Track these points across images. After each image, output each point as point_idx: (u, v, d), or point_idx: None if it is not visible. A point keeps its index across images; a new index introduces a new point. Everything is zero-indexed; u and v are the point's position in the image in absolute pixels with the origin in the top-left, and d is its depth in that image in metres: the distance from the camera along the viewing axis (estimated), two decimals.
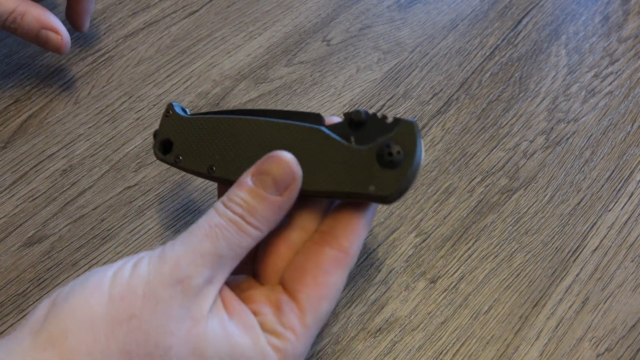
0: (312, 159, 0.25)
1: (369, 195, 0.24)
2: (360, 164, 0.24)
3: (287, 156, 0.24)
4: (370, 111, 0.25)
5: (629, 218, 0.36)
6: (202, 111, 0.29)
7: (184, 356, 0.21)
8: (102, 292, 0.22)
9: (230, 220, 0.23)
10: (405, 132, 0.24)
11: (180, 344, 0.21)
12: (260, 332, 0.23)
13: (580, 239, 0.35)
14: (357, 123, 0.25)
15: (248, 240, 0.23)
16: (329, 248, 0.24)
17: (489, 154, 0.38)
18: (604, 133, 0.39)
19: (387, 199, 0.23)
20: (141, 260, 0.23)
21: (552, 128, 0.39)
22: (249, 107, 0.40)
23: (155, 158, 0.38)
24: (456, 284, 0.33)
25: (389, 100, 0.41)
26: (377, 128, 0.25)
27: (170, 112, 0.28)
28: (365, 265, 0.33)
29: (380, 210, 0.35)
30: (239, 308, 0.24)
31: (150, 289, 0.22)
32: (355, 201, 0.25)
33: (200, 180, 0.36)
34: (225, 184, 0.27)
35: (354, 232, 0.24)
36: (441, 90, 0.41)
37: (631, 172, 0.38)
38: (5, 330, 0.31)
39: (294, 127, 0.25)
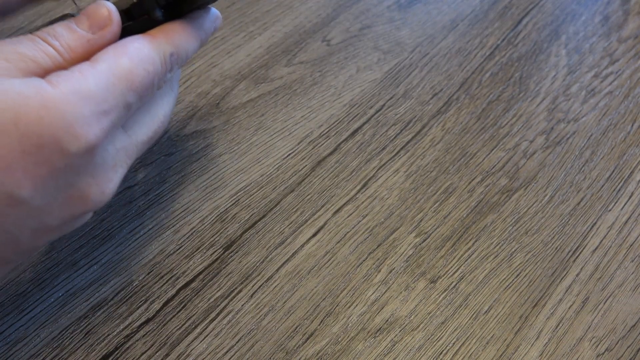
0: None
1: None
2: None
3: (107, 3, 0.24)
4: None
5: (629, 218, 0.36)
6: None
7: None
8: None
9: (28, 38, 0.22)
10: None
11: None
12: (26, 68, 0.22)
13: (580, 239, 0.35)
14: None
15: (42, 55, 0.22)
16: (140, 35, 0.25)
17: (489, 154, 0.38)
18: (604, 133, 0.39)
19: None
20: None
21: (552, 128, 0.39)
22: (249, 106, 0.40)
23: (157, 158, 0.38)
24: (456, 284, 0.33)
25: (389, 100, 0.41)
26: None
27: None
28: (366, 265, 0.33)
29: (380, 211, 0.35)
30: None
31: None
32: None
33: (200, 180, 0.36)
34: None
35: (168, 27, 0.26)
36: (441, 90, 0.41)
37: (631, 172, 0.38)
38: (5, 330, 0.31)
39: None
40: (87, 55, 0.23)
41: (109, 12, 0.24)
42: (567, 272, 0.34)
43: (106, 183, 0.23)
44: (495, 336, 0.31)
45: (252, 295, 0.32)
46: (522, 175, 0.37)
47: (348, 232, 0.35)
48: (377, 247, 0.34)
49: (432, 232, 0.35)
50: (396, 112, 0.40)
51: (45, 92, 0.20)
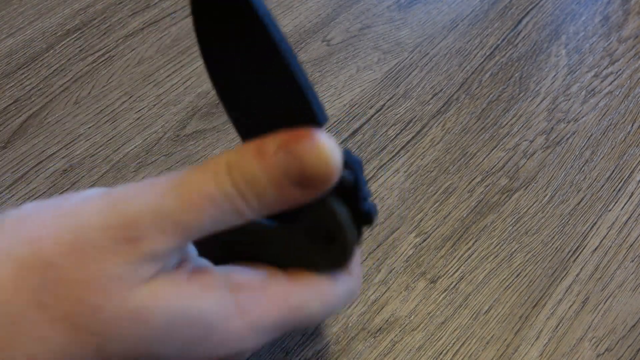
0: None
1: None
2: (298, 245, 0.21)
3: (332, 146, 0.18)
4: None
5: (629, 218, 0.36)
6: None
7: (120, 320, 0.17)
8: (19, 224, 0.17)
9: (228, 196, 0.18)
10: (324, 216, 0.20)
11: (115, 305, 0.17)
12: (226, 288, 0.19)
13: (580, 239, 0.35)
14: None
15: (238, 221, 0.19)
16: None
17: (489, 154, 0.38)
18: (604, 133, 0.39)
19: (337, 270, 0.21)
20: (86, 198, 0.18)
21: (552, 128, 0.39)
22: None
23: (157, 158, 0.38)
24: (456, 284, 0.33)
25: (389, 100, 0.41)
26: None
27: None
28: (366, 265, 0.33)
29: (380, 210, 0.35)
30: (200, 266, 0.20)
31: (84, 238, 0.17)
32: None
33: None
34: None
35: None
36: (441, 90, 0.41)
37: (631, 172, 0.38)
38: None
39: None
40: (281, 208, 0.19)
41: (332, 166, 0.18)
42: (567, 272, 0.34)
43: None
44: (495, 336, 0.31)
45: None
46: (522, 175, 0.37)
47: None
48: (377, 247, 0.34)
49: (432, 232, 0.35)
50: (396, 112, 0.40)
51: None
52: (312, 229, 0.20)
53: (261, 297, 0.20)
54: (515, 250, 0.34)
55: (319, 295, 0.21)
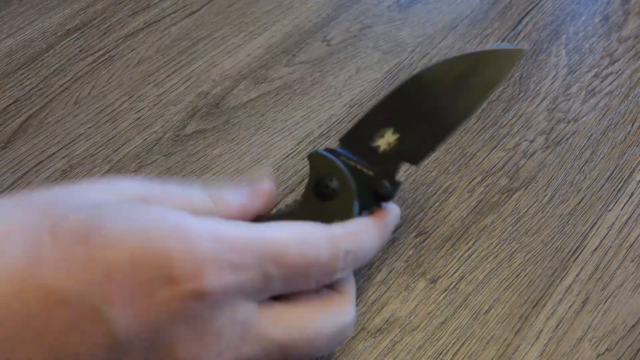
0: None
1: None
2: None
3: (270, 182, 0.26)
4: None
5: (629, 218, 0.36)
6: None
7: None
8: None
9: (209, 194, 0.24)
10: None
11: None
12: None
13: (580, 239, 0.35)
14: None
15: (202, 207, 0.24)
16: None
17: (489, 154, 0.38)
18: (604, 133, 0.39)
19: None
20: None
21: (552, 128, 0.39)
22: (249, 106, 0.40)
23: (157, 158, 0.38)
24: (456, 284, 0.33)
25: None
26: None
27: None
28: (365, 265, 0.33)
29: None
30: None
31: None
32: None
33: (200, 180, 0.36)
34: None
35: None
36: None
37: (631, 172, 0.38)
38: None
39: None
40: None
41: (269, 189, 0.26)
42: (567, 272, 0.34)
43: (201, 350, 0.19)
44: (495, 336, 0.31)
45: None
46: (522, 175, 0.37)
47: None
48: None
49: (432, 232, 0.35)
50: None
51: (185, 222, 0.19)
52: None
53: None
54: (515, 250, 0.34)
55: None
